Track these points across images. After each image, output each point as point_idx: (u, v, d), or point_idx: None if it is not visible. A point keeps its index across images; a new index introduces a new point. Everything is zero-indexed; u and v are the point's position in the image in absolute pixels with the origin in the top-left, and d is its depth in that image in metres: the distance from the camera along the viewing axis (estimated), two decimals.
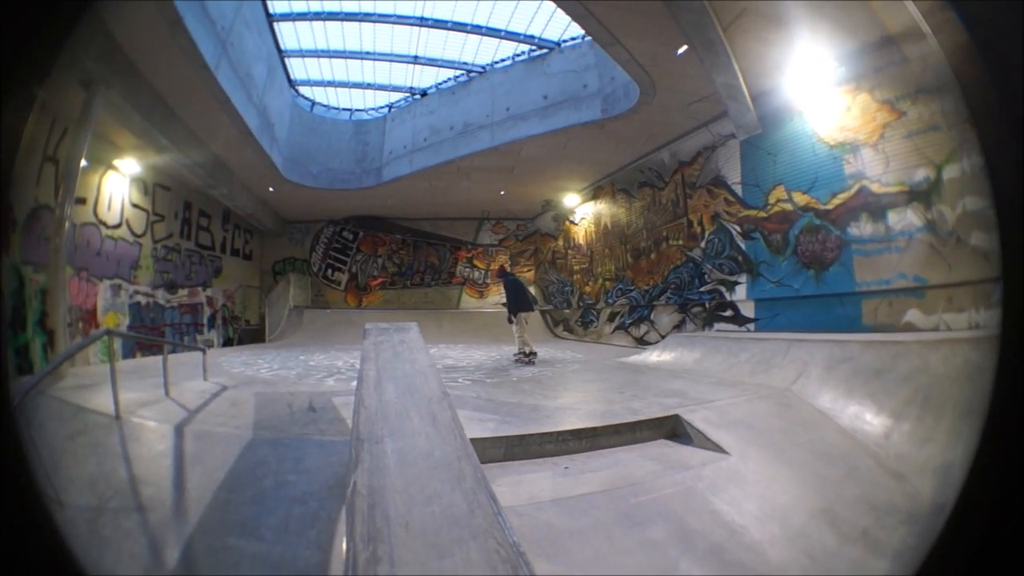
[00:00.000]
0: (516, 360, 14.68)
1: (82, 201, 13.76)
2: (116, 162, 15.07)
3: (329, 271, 29.04)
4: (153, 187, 17.49)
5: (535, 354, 14.81)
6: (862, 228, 10.35)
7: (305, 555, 4.34)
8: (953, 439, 5.74)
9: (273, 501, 4.94)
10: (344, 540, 3.00)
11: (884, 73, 9.75)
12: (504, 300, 16.34)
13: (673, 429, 7.18)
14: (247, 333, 24.95)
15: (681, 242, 16.59)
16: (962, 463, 1.89)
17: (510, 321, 15.41)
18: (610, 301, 21.40)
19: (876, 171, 10.03)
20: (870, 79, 10.07)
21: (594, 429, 6.80)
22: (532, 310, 15.83)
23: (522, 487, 5.45)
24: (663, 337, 16.19)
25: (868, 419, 6.96)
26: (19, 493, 1.87)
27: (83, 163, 11.07)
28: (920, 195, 9.21)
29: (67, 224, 10.65)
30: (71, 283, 13.13)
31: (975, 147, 1.94)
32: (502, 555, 2.21)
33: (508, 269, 19.54)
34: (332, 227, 28.93)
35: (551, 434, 6.59)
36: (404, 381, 4.67)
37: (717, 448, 6.40)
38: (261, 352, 17.85)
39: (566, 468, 6.04)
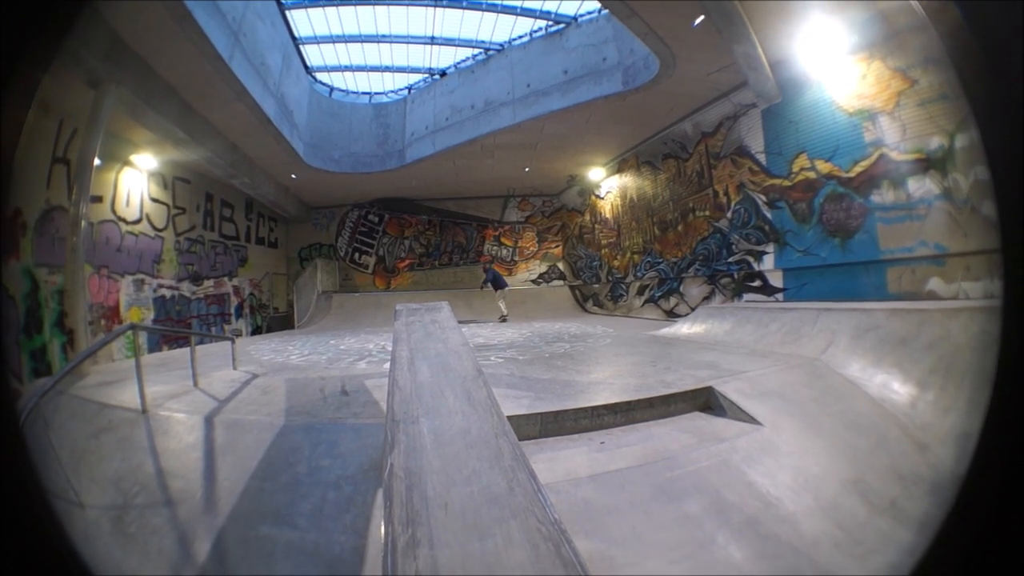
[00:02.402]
0: (502, 320, 21.55)
1: (99, 199, 14.05)
2: (133, 158, 15.38)
3: (356, 255, 29.18)
4: (172, 181, 17.79)
5: (506, 317, 22.16)
6: (884, 195, 10.31)
7: (340, 540, 4.38)
8: (971, 409, 5.74)
9: (307, 487, 4.98)
10: (382, 524, 3.01)
11: (894, 41, 9.69)
12: (486, 280, 23.69)
13: (707, 401, 7.20)
14: (276, 320, 25.23)
15: (707, 213, 16.51)
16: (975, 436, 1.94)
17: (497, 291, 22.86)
18: (639, 274, 21.34)
19: (894, 138, 9.98)
20: (882, 47, 10.01)
21: (628, 403, 6.80)
22: (506, 287, 23.44)
23: (558, 464, 5.48)
24: (693, 309, 16.18)
25: (895, 388, 7.00)
26: (26, 497, 1.92)
27: (97, 162, 11.17)
28: (937, 163, 9.17)
29: (83, 223, 10.73)
30: (91, 281, 13.50)
31: (971, 120, 1.95)
32: (544, 533, 2.19)
33: (490, 261, 29.01)
34: (357, 211, 29.04)
35: (586, 409, 6.60)
36: (437, 360, 4.66)
37: (751, 419, 6.43)
38: (290, 338, 17.91)
39: (602, 443, 6.07)
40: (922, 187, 9.53)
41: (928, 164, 9.34)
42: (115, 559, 4.40)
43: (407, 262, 29.04)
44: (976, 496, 1.88)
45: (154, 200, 16.62)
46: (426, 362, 4.59)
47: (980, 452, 1.91)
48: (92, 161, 10.94)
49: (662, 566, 4.11)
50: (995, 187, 1.95)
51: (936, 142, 9.18)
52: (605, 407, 6.70)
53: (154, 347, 15.14)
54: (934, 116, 9.18)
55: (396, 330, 6.03)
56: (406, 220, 29.23)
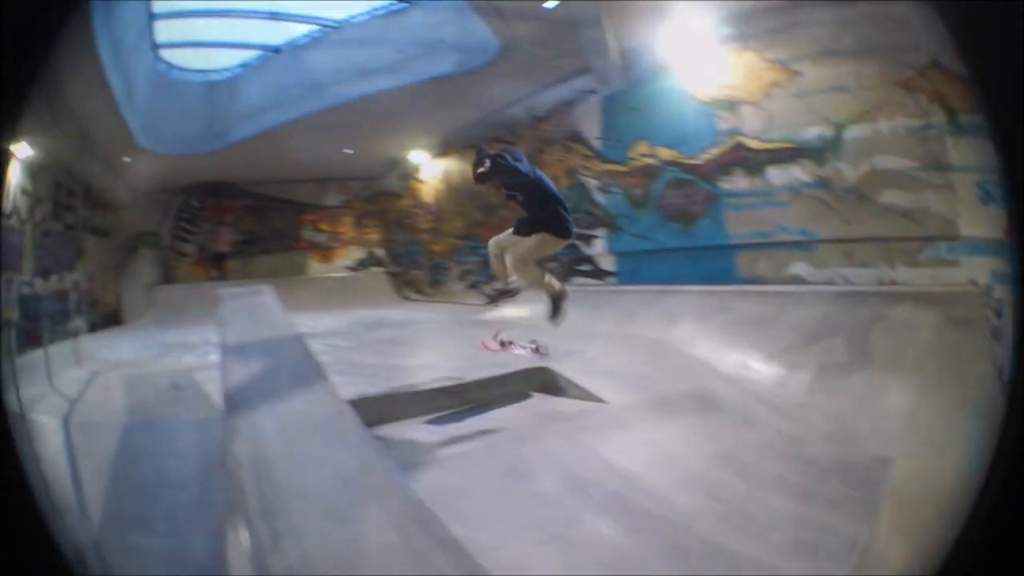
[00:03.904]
0: None
1: None
2: (12, 147, 13.73)
3: (178, 243, 27.17)
4: (35, 169, 16.15)
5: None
6: (736, 183, 10.48)
7: (200, 544, 4.08)
8: (874, 392, 5.84)
9: (157, 489, 4.80)
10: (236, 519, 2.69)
11: (781, 34, 9.79)
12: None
13: (543, 381, 7.11)
14: (107, 317, 23.67)
15: None
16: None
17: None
18: (461, 260, 21.36)
19: (755, 127, 10.16)
20: (761, 39, 10.09)
21: (463, 385, 6.73)
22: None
23: (397, 450, 5.21)
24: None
25: (756, 368, 7.00)
26: None
27: None
28: (811, 152, 9.36)
29: None
30: None
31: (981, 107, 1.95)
32: (409, 514, 2.16)
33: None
34: (181, 196, 27.02)
35: (420, 392, 6.50)
36: (266, 344, 4.66)
37: (593, 398, 6.36)
38: (121, 334, 17.61)
39: (440, 427, 5.94)
40: (786, 175, 9.68)
41: (798, 153, 9.53)
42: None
43: (226, 250, 27.69)
44: (997, 496, 1.73)
45: (23, 191, 15.20)
46: (254, 346, 4.63)
47: (1000, 451, 1.80)
48: None
49: (529, 547, 3.87)
50: (1009, 181, 1.85)
51: (814, 132, 9.34)
52: (440, 390, 6.60)
53: (22, 350, 13.87)
54: (815, 108, 9.34)
55: (220, 315, 6.05)
56: (226, 205, 27.80)
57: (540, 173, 6.70)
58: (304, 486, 2.31)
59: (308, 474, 2.44)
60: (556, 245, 6.63)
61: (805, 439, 5.64)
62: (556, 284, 6.98)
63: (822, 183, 9.11)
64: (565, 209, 6.60)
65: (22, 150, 14.17)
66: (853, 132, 8.76)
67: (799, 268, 9.37)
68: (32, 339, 14.22)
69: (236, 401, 3.38)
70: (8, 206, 13.79)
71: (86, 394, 7.55)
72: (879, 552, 3.81)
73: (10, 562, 1.84)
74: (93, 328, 21.28)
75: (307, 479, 2.38)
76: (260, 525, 2.05)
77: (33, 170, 15.70)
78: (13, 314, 14.06)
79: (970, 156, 6.93)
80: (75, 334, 11.34)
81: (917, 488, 4.33)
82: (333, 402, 3.33)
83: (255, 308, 6.00)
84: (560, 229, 6.46)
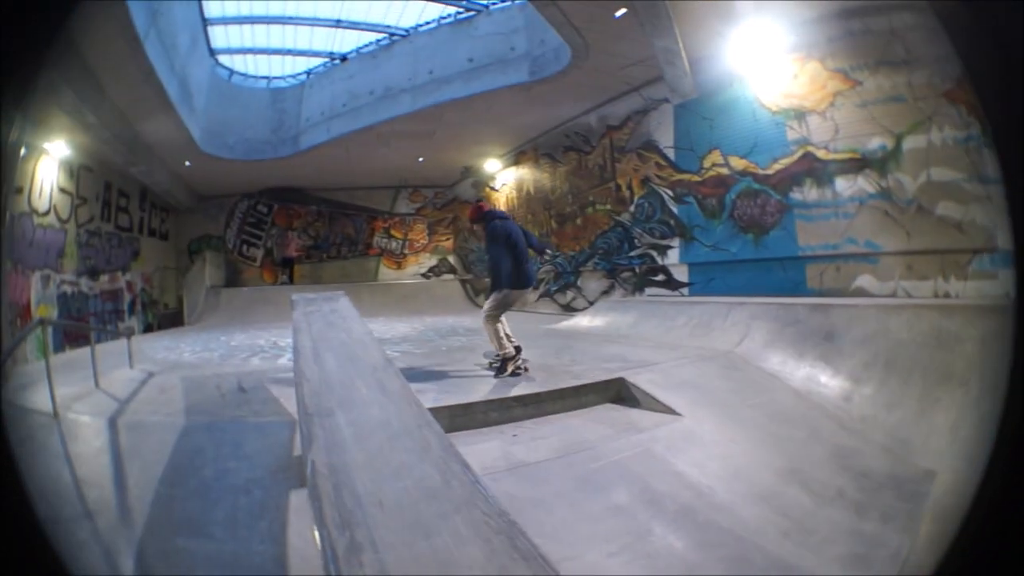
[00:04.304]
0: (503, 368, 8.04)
1: (20, 190, 12.95)
2: (46, 145, 14.16)
3: (244, 247, 27.88)
4: (78, 169, 16.40)
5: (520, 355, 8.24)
6: (806, 193, 10.45)
7: (259, 550, 4.09)
8: (927, 406, 5.82)
9: (217, 493, 4.70)
10: (314, 528, 2.75)
11: (839, 43, 9.75)
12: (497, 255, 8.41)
13: (619, 392, 7.06)
14: (166, 317, 23.85)
15: (609, 207, 16.52)
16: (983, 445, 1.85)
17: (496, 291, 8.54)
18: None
19: (823, 138, 10.12)
20: (822, 48, 10.07)
21: (538, 395, 6.67)
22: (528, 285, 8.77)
23: (472, 458, 5.16)
24: (591, 303, 16.22)
25: (823, 381, 7.00)
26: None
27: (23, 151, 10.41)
28: (875, 163, 9.31)
29: (8, 216, 9.88)
30: (9, 278, 12.35)
31: (965, 120, 1.89)
32: (493, 526, 2.08)
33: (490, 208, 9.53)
34: (247, 201, 27.69)
35: (495, 401, 6.46)
36: (343, 351, 4.51)
37: (668, 410, 6.29)
38: (181, 336, 17.39)
39: (515, 436, 5.89)
40: (853, 186, 9.65)
41: (863, 164, 9.48)
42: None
43: (296, 255, 27.95)
44: (993, 499, 1.78)
45: (62, 190, 15.34)
46: (331, 352, 4.45)
47: (995, 455, 1.82)
48: (20, 149, 10.06)
49: (601, 559, 3.90)
50: (1008, 189, 1.86)
51: (876, 142, 9.29)
52: (515, 399, 6.57)
53: (59, 347, 14.10)
54: (877, 117, 9.28)
55: (295, 321, 5.80)
56: (295, 211, 28.22)
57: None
58: (384, 496, 2.26)
59: (389, 484, 2.36)
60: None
61: (865, 453, 5.64)
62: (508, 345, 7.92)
63: (885, 194, 9.06)
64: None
65: (58, 149, 14.50)
66: (910, 143, 8.72)
67: (863, 280, 9.35)
68: (73, 337, 14.57)
69: (312, 408, 3.28)
70: (42, 204, 14.11)
71: (139, 394, 7.61)
72: (914, 563, 3.86)
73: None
74: (150, 329, 21.69)
75: (388, 490, 2.32)
76: (336, 533, 2.03)
77: (74, 170, 15.93)
78: (51, 312, 14.39)
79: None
80: (129, 334, 11.34)
81: (950, 500, 4.36)
82: (415, 411, 3.22)
83: (331, 314, 5.80)
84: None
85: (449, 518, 2.10)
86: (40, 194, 14.11)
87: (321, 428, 2.96)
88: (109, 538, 4.27)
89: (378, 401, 3.36)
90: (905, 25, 8.42)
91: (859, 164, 9.48)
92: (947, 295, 8.12)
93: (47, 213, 14.58)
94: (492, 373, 7.98)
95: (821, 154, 10.09)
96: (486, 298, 8.50)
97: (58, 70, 10.60)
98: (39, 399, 6.55)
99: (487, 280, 23.29)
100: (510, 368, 7.80)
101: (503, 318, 8.22)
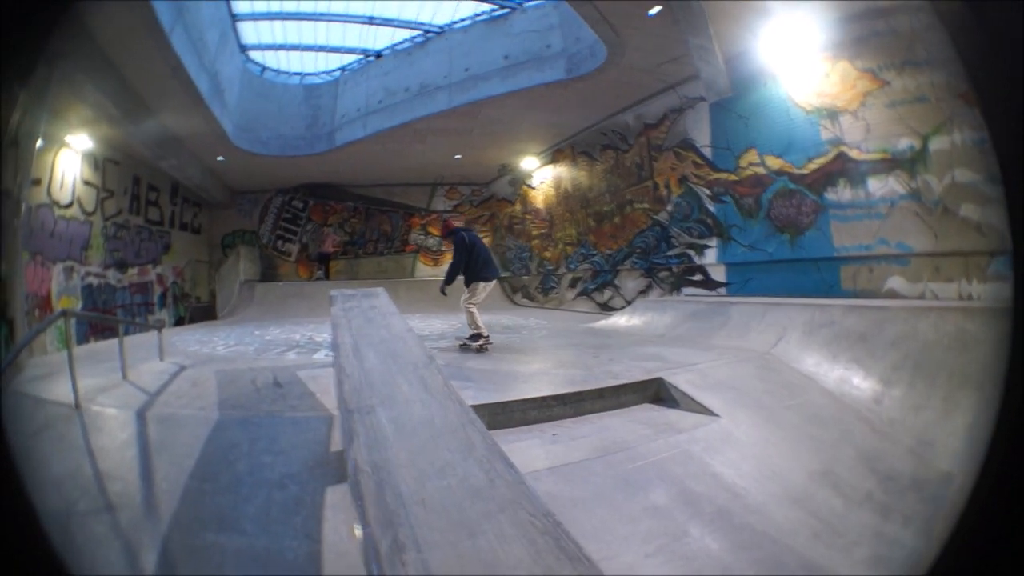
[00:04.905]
0: (462, 346, 10.52)
1: (37, 182, 13.10)
2: (68, 138, 14.40)
3: (279, 242, 28.17)
4: (103, 162, 16.69)
5: (487, 338, 10.49)
6: (840, 193, 10.41)
7: (292, 545, 4.12)
8: (950, 408, 5.85)
9: (250, 488, 4.71)
10: (354, 525, 2.79)
11: (866, 43, 9.73)
12: (456, 264, 10.74)
13: (657, 393, 7.13)
14: (198, 311, 24.03)
15: (647, 205, 16.48)
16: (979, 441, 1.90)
17: (443, 292, 11.01)
18: (571, 267, 21.19)
19: (855, 138, 10.08)
20: (850, 48, 10.04)
21: (579, 394, 6.71)
22: (492, 278, 10.93)
23: (513, 457, 5.22)
24: (628, 302, 16.20)
25: (856, 384, 7.02)
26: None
27: (39, 142, 10.57)
28: (904, 163, 9.28)
29: (24, 207, 10.07)
30: (27, 269, 12.54)
31: (978, 121, 1.97)
32: (538, 526, 2.07)
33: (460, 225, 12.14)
34: (282, 196, 28.01)
35: (534, 400, 6.46)
36: (383, 347, 4.52)
37: (706, 411, 6.36)
38: (214, 329, 17.31)
39: (554, 435, 5.94)
40: (884, 186, 9.62)
41: (893, 164, 9.45)
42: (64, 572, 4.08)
43: (331, 251, 28.01)
44: (989, 498, 1.85)
45: (86, 183, 15.60)
46: (371, 348, 4.46)
47: (992, 454, 1.88)
48: (36, 141, 10.29)
49: (638, 560, 3.99)
50: (1006, 191, 1.96)
51: (905, 143, 9.27)
52: (555, 397, 6.57)
53: (82, 339, 14.30)
54: (904, 118, 9.26)
55: (334, 316, 5.88)
56: (331, 207, 28.47)
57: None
58: (427, 495, 2.24)
59: (432, 483, 2.35)
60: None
61: (892, 455, 5.70)
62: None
63: (915, 195, 9.06)
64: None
65: (81, 142, 14.75)
66: (935, 144, 8.72)
67: (894, 282, 9.37)
68: (99, 329, 14.83)
69: (353, 404, 3.28)
70: (64, 197, 14.35)
71: (169, 387, 7.46)
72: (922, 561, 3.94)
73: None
74: (181, 322, 21.99)
75: (431, 488, 2.30)
76: (379, 532, 2.02)
77: (99, 163, 16.17)
78: (74, 304, 14.58)
79: None
80: (159, 326, 11.49)
81: (959, 500, 4.45)
82: (457, 408, 3.20)
83: (370, 310, 5.86)
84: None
85: (494, 518, 2.11)
86: (61, 186, 14.33)
87: (362, 425, 2.99)
88: (129, 532, 4.32)
89: (420, 398, 3.39)
90: (924, 26, 8.35)
91: (890, 164, 9.46)
92: (970, 297, 8.12)
93: (69, 205, 14.80)
94: (470, 347, 10.28)
95: (854, 154, 10.06)
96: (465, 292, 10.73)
97: (74, 61, 10.71)
98: (60, 390, 6.60)
99: (524, 279, 23.44)
100: (479, 343, 10.20)
101: (475, 310, 10.46)
